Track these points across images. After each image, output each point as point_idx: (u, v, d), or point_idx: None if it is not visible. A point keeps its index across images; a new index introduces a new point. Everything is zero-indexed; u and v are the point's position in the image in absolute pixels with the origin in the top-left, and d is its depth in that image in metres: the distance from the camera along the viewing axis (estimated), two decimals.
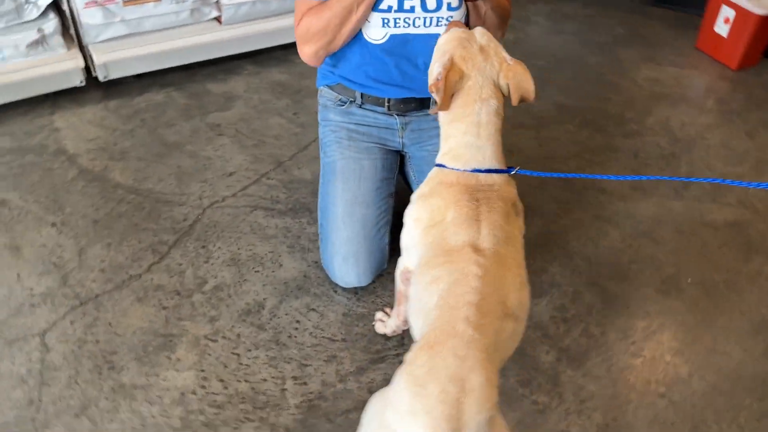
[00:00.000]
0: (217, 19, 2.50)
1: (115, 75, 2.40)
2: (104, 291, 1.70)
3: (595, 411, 1.48)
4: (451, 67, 1.17)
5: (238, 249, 1.82)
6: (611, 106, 2.51)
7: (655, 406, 1.50)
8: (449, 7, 1.53)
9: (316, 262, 1.77)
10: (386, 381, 1.22)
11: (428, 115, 1.72)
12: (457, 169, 1.19)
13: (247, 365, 1.54)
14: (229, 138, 2.24)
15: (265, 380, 1.51)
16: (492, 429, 0.95)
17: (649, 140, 2.33)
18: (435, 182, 1.21)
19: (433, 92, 1.19)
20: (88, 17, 2.24)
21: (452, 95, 1.19)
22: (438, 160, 1.23)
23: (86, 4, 2.20)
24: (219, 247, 1.83)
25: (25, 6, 2.16)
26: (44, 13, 2.21)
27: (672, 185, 2.12)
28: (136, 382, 1.50)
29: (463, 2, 1.53)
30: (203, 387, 1.49)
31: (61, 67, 2.28)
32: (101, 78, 2.38)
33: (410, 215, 1.24)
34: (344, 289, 1.71)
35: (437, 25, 1.56)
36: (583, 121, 2.41)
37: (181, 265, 1.78)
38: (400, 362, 1.04)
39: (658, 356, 1.60)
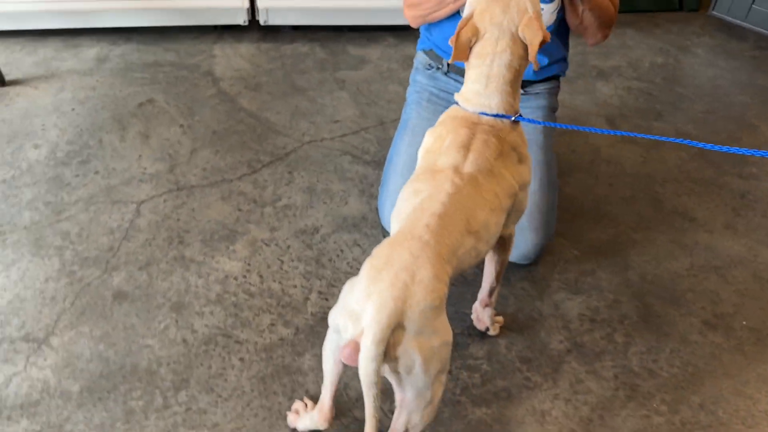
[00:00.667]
0: None
1: (273, 21, 2.72)
2: (199, 185, 1.98)
3: (584, 405, 1.47)
4: (466, 23, 1.23)
5: (317, 181, 2.02)
6: (738, 146, 2.36)
7: (649, 420, 1.45)
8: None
9: (377, 210, 1.92)
10: None
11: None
12: (466, 109, 1.27)
13: (285, 271, 1.73)
14: (347, 93, 2.45)
15: (295, 287, 1.69)
16: (435, 318, 1.04)
17: (765, 185, 2.17)
18: (445, 116, 1.30)
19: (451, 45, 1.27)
20: None
21: (471, 47, 1.26)
22: (455, 98, 1.31)
23: None
24: (302, 176, 2.04)
25: None
26: None
27: None
28: (195, 258, 1.75)
29: None
30: (244, 276, 1.70)
31: (230, 3, 2.64)
32: (261, 22, 2.72)
33: (421, 147, 1.33)
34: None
35: None
36: (700, 152, 2.30)
37: (266, 181, 2.02)
38: None
39: (678, 380, 1.54)
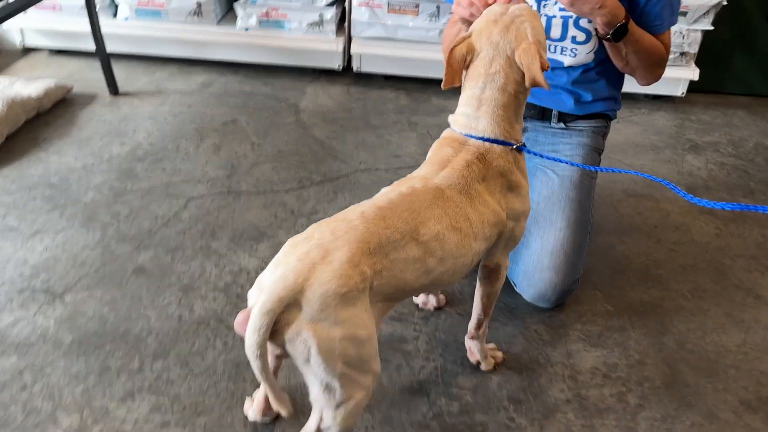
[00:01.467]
0: None
1: (365, 69, 2.86)
2: (247, 191, 2.08)
3: None
4: (460, 41, 1.20)
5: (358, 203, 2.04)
6: None
7: None
8: (573, 40, 1.58)
9: None
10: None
11: (551, 127, 1.73)
12: (454, 131, 1.24)
13: None
14: (416, 134, 2.49)
15: None
16: (341, 307, 0.97)
17: None
18: (439, 138, 1.28)
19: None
20: (358, 14, 2.74)
21: (465, 68, 1.22)
22: (448, 119, 1.29)
23: (360, 3, 2.71)
24: (345, 197, 2.07)
25: None
26: (329, 3, 2.78)
27: None
28: (218, 250, 1.81)
29: (594, 37, 1.56)
30: (257, 272, 1.73)
31: (327, 47, 2.82)
32: (354, 68, 2.87)
33: None
34: None
35: (561, 54, 1.62)
36: None
37: (309, 197, 2.07)
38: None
39: None
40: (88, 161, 2.19)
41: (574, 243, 1.59)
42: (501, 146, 1.22)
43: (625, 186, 2.22)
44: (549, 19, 1.60)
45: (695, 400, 1.44)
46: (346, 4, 2.77)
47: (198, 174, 2.16)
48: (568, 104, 1.68)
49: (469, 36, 1.22)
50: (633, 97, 2.83)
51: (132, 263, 1.74)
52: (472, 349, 1.47)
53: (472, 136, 1.21)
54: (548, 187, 1.65)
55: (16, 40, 2.96)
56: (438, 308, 1.64)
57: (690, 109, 2.81)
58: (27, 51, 3.01)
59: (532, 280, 1.59)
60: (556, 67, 1.65)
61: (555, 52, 1.63)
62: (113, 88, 2.65)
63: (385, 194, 1.13)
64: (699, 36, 2.64)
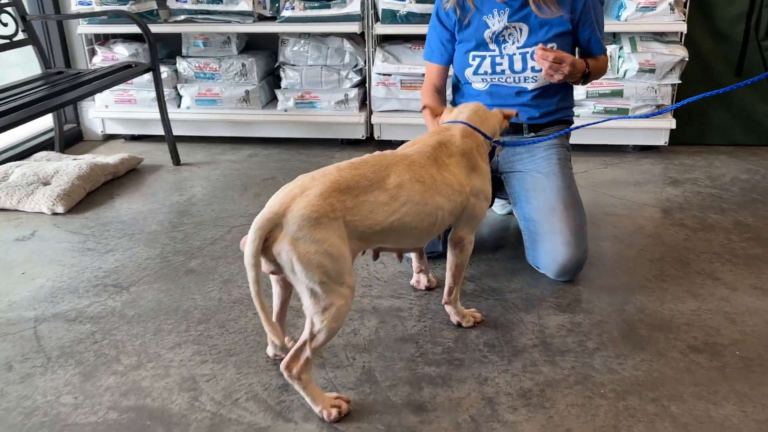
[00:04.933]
0: None
1: (385, 136, 3.35)
2: None
3: (530, 380, 1.55)
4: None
5: None
6: None
7: (590, 401, 1.48)
8: (533, 70, 2.01)
9: None
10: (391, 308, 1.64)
11: (524, 137, 2.11)
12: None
13: None
14: None
15: None
16: (314, 229, 1.28)
17: None
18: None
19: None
20: (376, 92, 3.27)
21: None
22: None
23: (377, 83, 3.24)
24: None
25: (345, 79, 3.31)
26: (354, 85, 3.32)
27: None
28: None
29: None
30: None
31: (353, 120, 3.34)
32: (376, 136, 3.36)
33: None
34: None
35: (525, 82, 2.05)
36: (756, 237, 2.28)
37: None
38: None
39: (638, 380, 1.53)
40: (153, 206, 2.67)
41: (575, 219, 1.95)
42: (467, 130, 1.62)
43: (606, 210, 2.53)
44: (511, 57, 2.03)
45: (647, 345, 1.69)
46: (367, 84, 3.31)
47: (240, 212, 2.59)
48: (535, 116, 2.07)
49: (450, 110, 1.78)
50: (621, 149, 3.20)
51: (184, 267, 2.15)
52: (450, 313, 1.78)
53: (455, 122, 1.63)
54: (540, 185, 2.01)
55: (98, 130, 3.60)
56: (429, 288, 1.95)
57: (674, 156, 3.14)
58: (107, 138, 3.64)
59: (552, 258, 1.95)
60: (522, 90, 2.06)
61: (520, 81, 2.05)
62: (176, 159, 3.19)
63: (362, 158, 1.51)
64: (669, 90, 3.03)
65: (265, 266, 1.35)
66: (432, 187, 1.50)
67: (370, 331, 1.76)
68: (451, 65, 2.16)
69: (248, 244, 1.29)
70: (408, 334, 1.75)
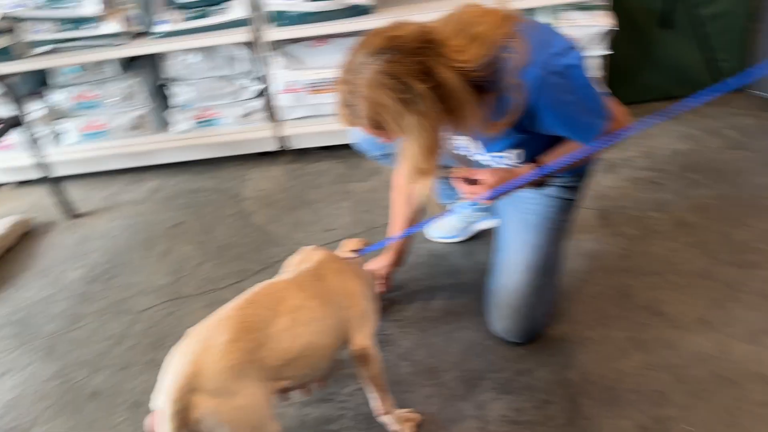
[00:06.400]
0: None
1: (297, 145, 3.06)
2: (191, 294, 2.26)
3: None
4: None
5: None
6: (743, 233, 2.17)
7: None
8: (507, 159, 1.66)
9: None
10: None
11: None
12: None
13: None
14: (350, 203, 2.66)
15: None
16: (234, 380, 1.17)
17: (763, 273, 1.97)
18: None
19: None
20: (283, 100, 2.94)
21: None
22: None
23: (283, 90, 2.91)
24: None
25: (242, 90, 2.97)
26: (254, 97, 2.98)
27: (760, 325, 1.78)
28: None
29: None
30: None
31: (261, 134, 3.03)
32: (288, 147, 3.06)
33: None
34: None
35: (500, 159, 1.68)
36: (699, 242, 2.16)
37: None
38: None
39: None
40: (48, 291, 2.39)
41: (529, 285, 1.75)
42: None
43: None
44: (479, 162, 1.72)
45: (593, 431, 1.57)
46: (267, 93, 2.97)
47: (146, 285, 2.34)
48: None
49: None
50: None
51: (87, 388, 1.92)
52: (387, 422, 1.62)
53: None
54: (510, 229, 1.82)
55: None
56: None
57: None
58: None
59: (495, 318, 1.83)
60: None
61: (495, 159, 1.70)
62: (69, 211, 2.86)
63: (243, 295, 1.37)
64: (596, 62, 2.79)
65: None
66: (328, 301, 1.41)
67: None
68: None
69: (164, 422, 1.13)
70: None
